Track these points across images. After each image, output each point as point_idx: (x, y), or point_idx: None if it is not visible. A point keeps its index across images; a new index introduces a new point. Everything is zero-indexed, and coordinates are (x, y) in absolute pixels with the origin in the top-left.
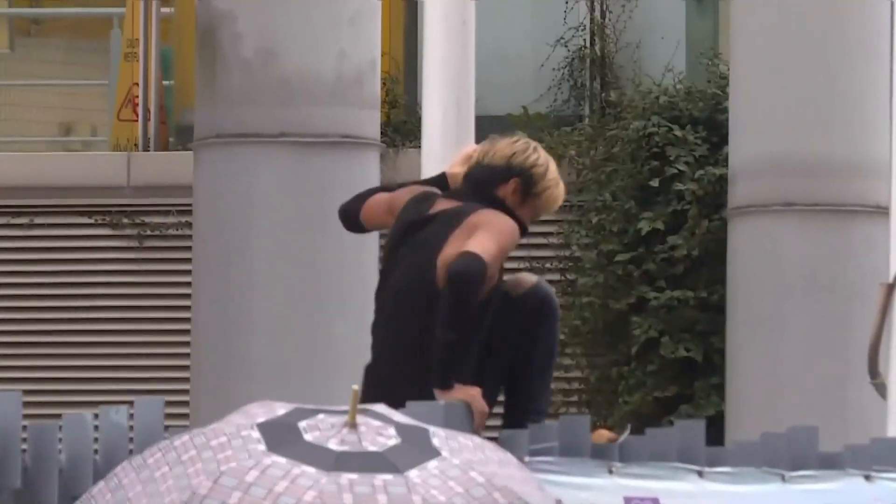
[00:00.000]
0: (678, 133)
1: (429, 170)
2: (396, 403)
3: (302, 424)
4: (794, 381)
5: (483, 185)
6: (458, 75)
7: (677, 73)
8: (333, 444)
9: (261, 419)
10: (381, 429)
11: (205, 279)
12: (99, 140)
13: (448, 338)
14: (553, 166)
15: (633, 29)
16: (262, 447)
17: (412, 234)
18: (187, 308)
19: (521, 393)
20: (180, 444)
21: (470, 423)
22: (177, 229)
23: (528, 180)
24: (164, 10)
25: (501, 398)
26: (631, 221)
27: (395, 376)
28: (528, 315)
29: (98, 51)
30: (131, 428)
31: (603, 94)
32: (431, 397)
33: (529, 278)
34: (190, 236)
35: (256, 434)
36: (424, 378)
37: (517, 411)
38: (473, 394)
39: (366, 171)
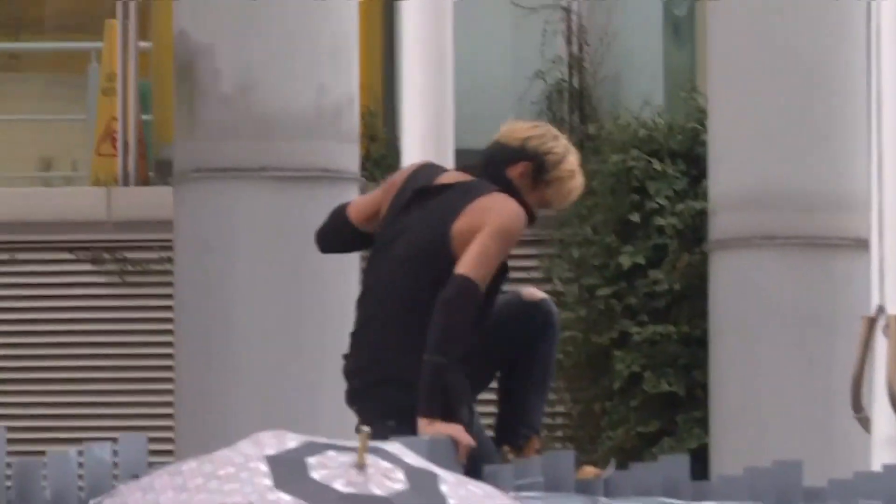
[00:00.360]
0: (658, 167)
1: None
2: (384, 368)
3: (310, 461)
4: (777, 415)
5: (495, 163)
6: (437, 109)
7: (656, 106)
8: (340, 485)
9: (270, 451)
10: (389, 471)
11: (186, 314)
12: (79, 175)
13: (436, 361)
14: (573, 158)
15: (611, 62)
16: (268, 482)
17: (421, 201)
18: (170, 344)
19: (517, 408)
20: (188, 469)
21: (455, 457)
22: (158, 264)
23: (539, 166)
24: (143, 44)
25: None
26: (612, 256)
27: (394, 338)
28: (530, 327)
29: (77, 85)
30: (115, 464)
31: (582, 128)
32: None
33: (537, 293)
34: (171, 271)
35: (265, 468)
36: (421, 346)
37: (511, 427)
38: (458, 428)
39: None
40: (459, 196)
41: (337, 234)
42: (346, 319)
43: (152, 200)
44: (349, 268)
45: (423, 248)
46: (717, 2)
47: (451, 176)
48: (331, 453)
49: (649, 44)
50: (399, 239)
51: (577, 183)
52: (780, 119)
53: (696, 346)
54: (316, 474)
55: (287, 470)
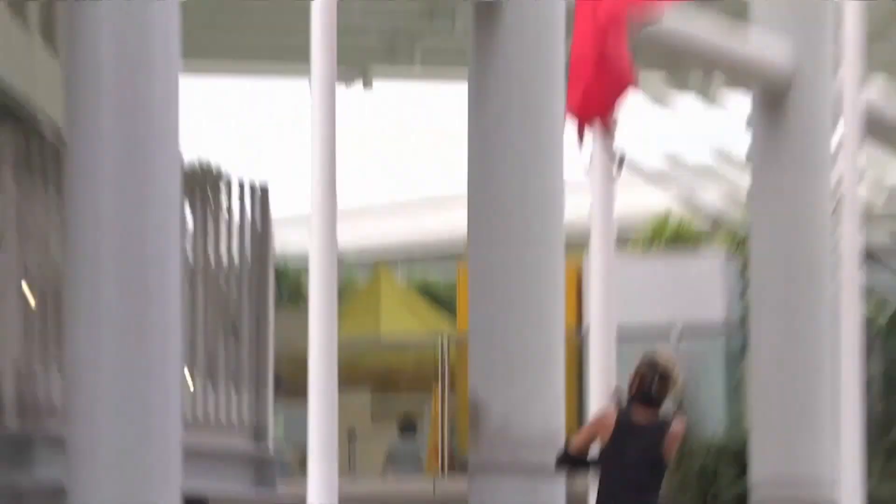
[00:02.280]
0: None
1: None
2: None
3: None
4: None
5: (667, 392)
6: None
7: None
8: None
9: None
10: None
11: None
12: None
13: None
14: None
15: None
16: None
17: (634, 435)
18: None
19: None
20: None
21: None
22: None
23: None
24: None
25: None
26: None
27: None
28: None
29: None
30: None
31: None
32: None
33: None
34: None
35: None
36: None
37: None
38: None
39: None
40: (660, 432)
41: (566, 464)
42: None
43: None
44: None
45: (648, 461)
46: None
47: (642, 415)
48: None
49: None
50: (626, 453)
51: None
52: None
53: None
54: None
55: None
